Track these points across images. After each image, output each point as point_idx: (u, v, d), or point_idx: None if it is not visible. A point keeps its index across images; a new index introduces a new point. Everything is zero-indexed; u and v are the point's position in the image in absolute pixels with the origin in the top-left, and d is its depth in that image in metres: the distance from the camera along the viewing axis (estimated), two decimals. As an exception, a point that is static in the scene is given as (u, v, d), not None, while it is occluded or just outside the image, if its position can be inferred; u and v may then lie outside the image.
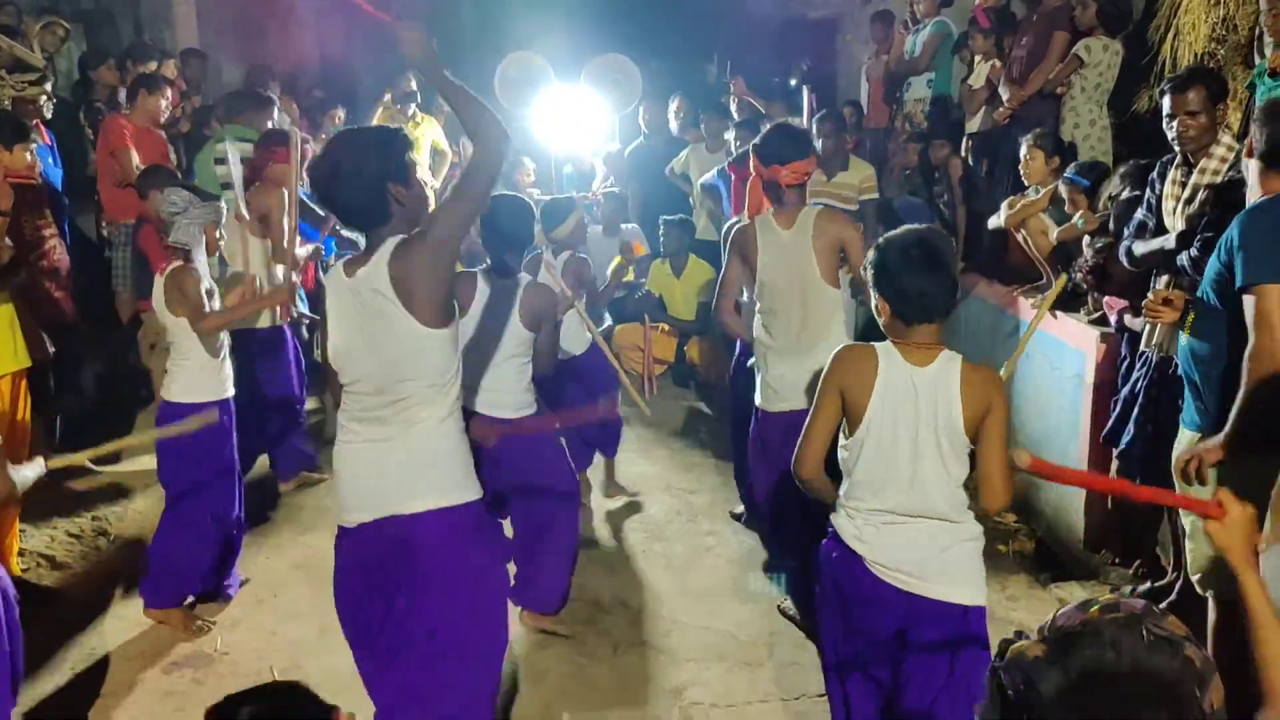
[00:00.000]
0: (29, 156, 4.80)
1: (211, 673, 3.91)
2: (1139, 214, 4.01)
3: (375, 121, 8.01)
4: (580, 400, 4.93)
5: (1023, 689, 1.33)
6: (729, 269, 4.20)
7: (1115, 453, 4.17)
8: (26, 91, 5.38)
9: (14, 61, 5.46)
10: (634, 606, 4.44)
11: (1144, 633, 1.32)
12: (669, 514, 5.27)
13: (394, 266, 2.50)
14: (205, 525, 4.14)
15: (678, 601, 4.47)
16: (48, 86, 5.85)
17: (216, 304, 4.09)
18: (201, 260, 4.03)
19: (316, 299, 5.42)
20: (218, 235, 4.12)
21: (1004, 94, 6.10)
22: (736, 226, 4.40)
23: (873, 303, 2.70)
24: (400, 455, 2.64)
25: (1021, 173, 5.18)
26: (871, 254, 2.68)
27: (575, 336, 5.05)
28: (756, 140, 4.22)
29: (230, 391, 4.20)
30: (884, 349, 2.66)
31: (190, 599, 4.23)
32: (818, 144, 6.66)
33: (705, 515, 5.36)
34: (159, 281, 4.01)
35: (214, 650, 4.03)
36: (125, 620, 4.23)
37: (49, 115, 5.60)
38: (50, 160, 5.74)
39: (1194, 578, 3.31)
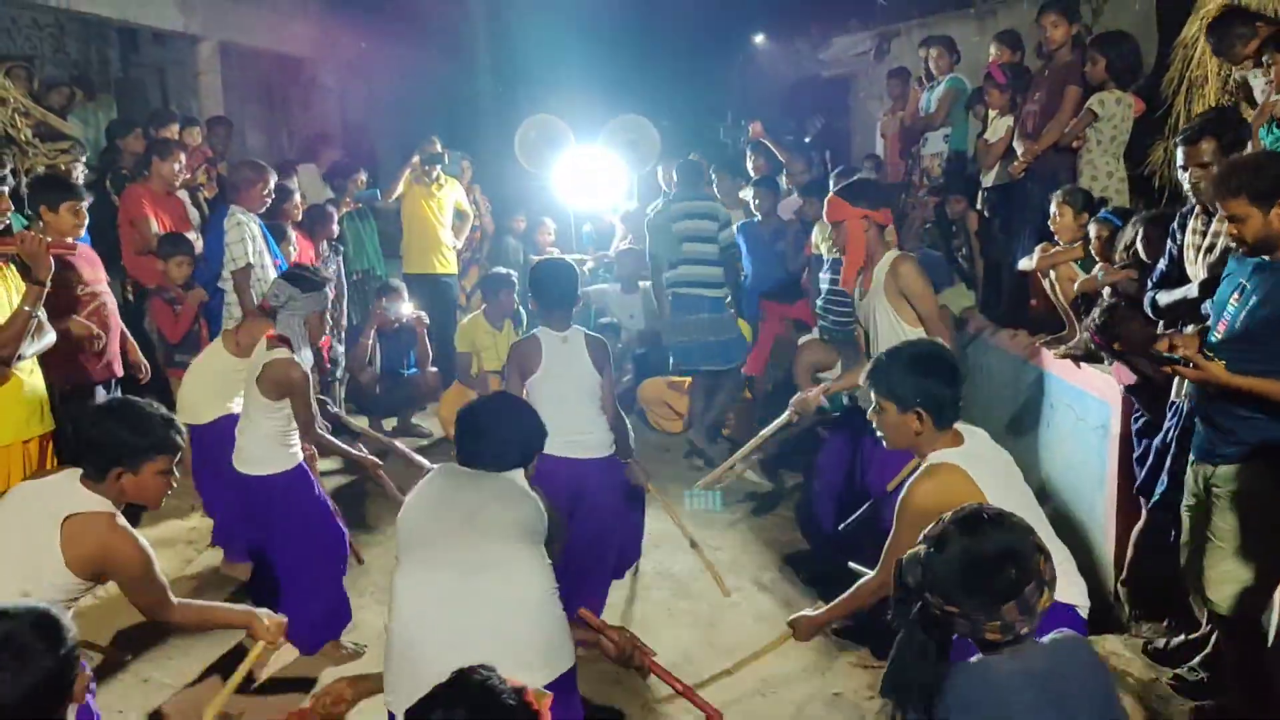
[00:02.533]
0: (79, 216, 4.86)
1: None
2: (1161, 264, 4.03)
3: (402, 183, 8.14)
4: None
5: (920, 575, 2.09)
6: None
7: (1148, 504, 4.15)
8: (59, 159, 5.50)
9: (47, 130, 5.59)
10: (660, 662, 4.40)
11: (984, 515, 2.11)
12: (693, 571, 5.24)
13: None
14: (337, 563, 4.37)
15: (704, 657, 4.43)
16: (82, 156, 5.98)
17: None
18: (306, 353, 4.18)
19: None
20: (326, 321, 4.35)
21: (1018, 148, 6.15)
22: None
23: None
24: None
25: (1051, 228, 5.21)
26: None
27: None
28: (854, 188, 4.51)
29: (299, 459, 4.28)
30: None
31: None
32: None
33: (730, 571, 5.32)
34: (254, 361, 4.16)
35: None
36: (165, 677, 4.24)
37: (81, 183, 5.70)
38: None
39: (1214, 599, 3.42)
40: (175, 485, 3.02)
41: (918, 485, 2.83)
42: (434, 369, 7.66)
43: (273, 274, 6.05)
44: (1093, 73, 5.68)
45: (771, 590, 5.10)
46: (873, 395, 3.00)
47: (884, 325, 4.34)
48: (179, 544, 5.51)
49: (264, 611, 3.17)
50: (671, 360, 7.04)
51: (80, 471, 2.89)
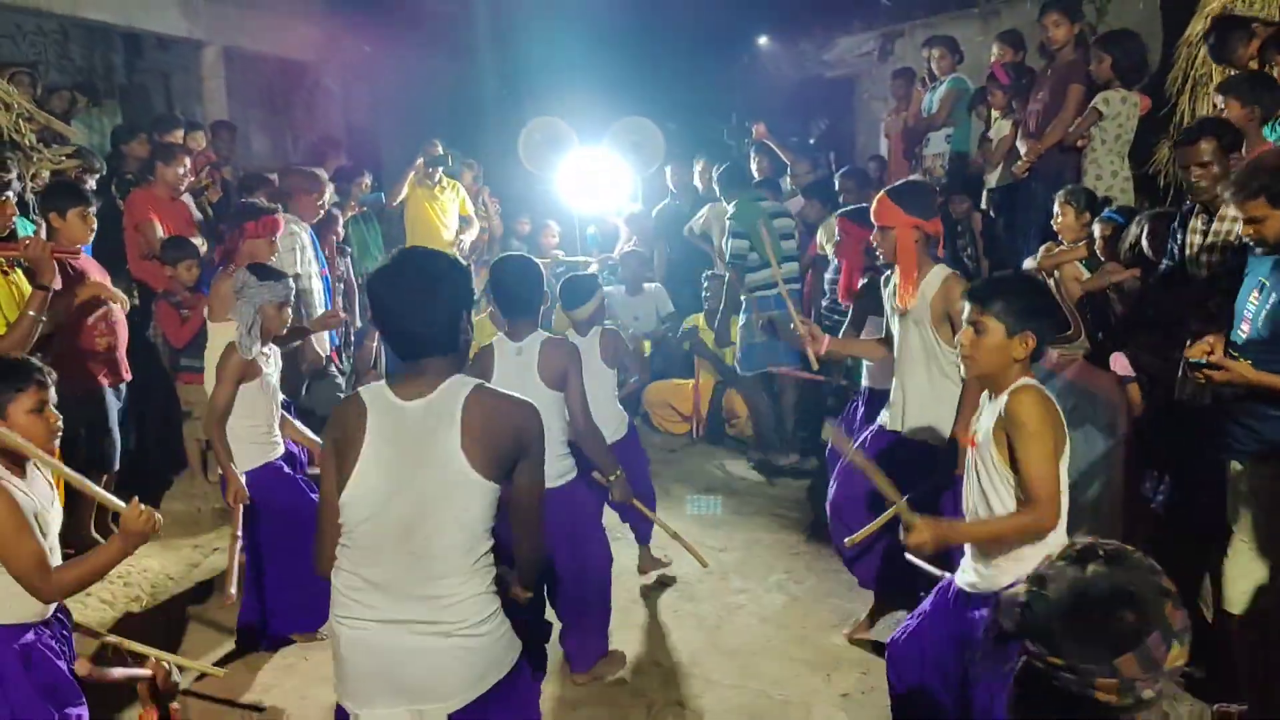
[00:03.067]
0: (87, 222, 4.91)
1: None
2: (1164, 263, 4.03)
3: (406, 186, 8.13)
4: None
5: (1020, 618, 1.75)
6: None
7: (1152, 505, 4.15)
8: (64, 164, 5.52)
9: (51, 135, 5.60)
10: (666, 666, 4.41)
11: (1098, 550, 1.77)
12: (699, 573, 5.24)
13: (468, 417, 2.36)
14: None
15: (710, 660, 4.44)
16: (96, 164, 6.00)
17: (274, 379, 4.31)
18: (255, 345, 4.14)
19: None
20: (284, 314, 4.28)
21: (1021, 148, 6.15)
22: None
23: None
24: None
25: (1054, 227, 5.21)
26: None
27: (610, 419, 4.98)
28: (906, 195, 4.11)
29: (278, 452, 4.33)
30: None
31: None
32: (841, 198, 6.76)
33: (736, 573, 5.33)
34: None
35: (255, 714, 4.03)
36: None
37: (93, 188, 5.73)
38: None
39: (1229, 594, 3.41)
40: (57, 425, 2.92)
41: (1025, 400, 2.74)
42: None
43: (319, 284, 6.08)
44: (1098, 71, 5.69)
45: (778, 591, 5.10)
46: (975, 313, 2.86)
47: (916, 343, 4.10)
48: (185, 547, 5.54)
49: (127, 510, 2.87)
50: (741, 363, 6.93)
51: None
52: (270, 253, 5.14)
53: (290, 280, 4.36)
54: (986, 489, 2.88)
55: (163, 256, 5.85)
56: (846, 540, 3.93)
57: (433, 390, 2.39)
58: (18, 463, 2.84)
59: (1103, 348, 4.95)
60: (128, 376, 5.32)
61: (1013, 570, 2.77)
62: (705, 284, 7.75)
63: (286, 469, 4.41)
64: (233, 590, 3.89)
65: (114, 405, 5.21)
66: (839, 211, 5.84)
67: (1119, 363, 4.38)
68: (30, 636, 2.85)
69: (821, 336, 4.42)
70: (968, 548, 3.01)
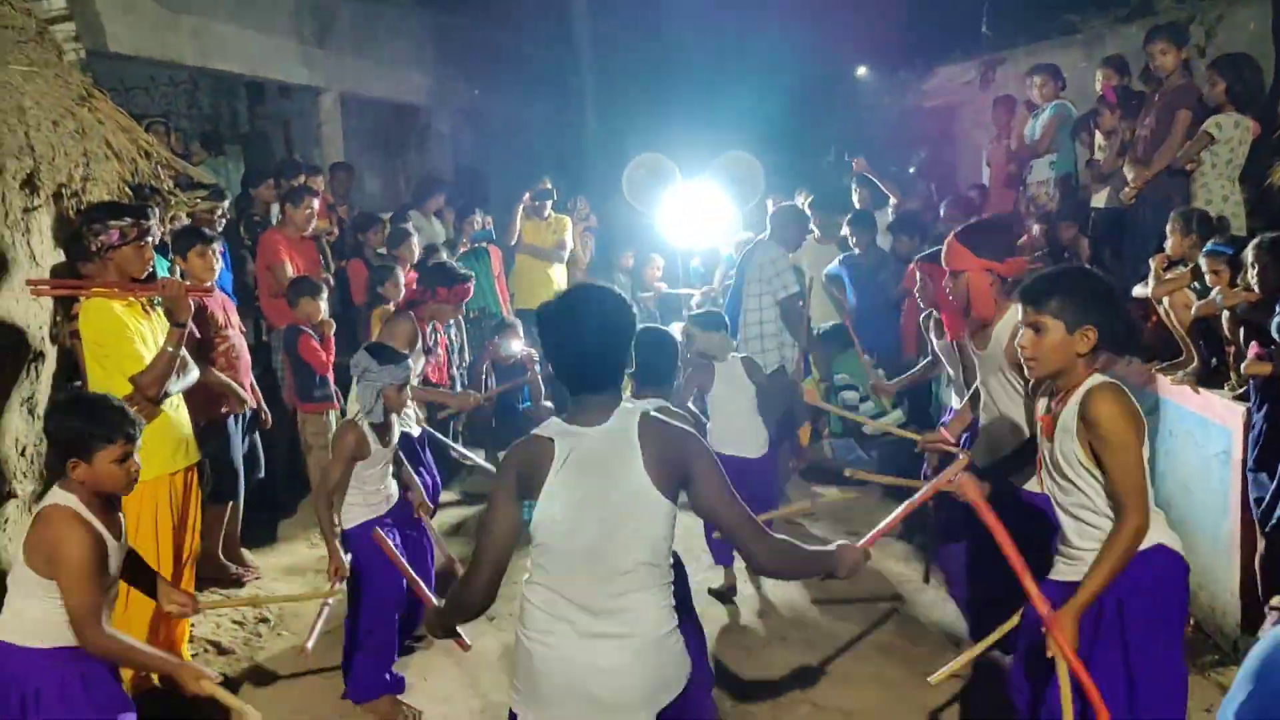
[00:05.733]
0: (205, 260, 5.16)
1: (369, 755, 4.08)
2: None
3: (518, 222, 8.39)
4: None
5: None
6: None
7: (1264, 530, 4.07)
8: (199, 207, 5.86)
9: (187, 180, 5.94)
10: (777, 688, 4.47)
11: None
12: (805, 599, 5.28)
13: (644, 440, 2.49)
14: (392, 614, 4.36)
15: (818, 684, 4.48)
16: (224, 204, 6.35)
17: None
18: (374, 416, 4.26)
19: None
20: (404, 395, 4.37)
21: (1129, 174, 6.08)
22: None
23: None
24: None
25: (1166, 249, 5.15)
26: None
27: (750, 439, 5.31)
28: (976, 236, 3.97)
29: (384, 509, 4.40)
30: None
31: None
32: (944, 228, 6.75)
33: (844, 601, 5.35)
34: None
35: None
36: (288, 703, 4.44)
37: (221, 229, 6.05)
38: (223, 267, 6.19)
39: None
40: (136, 474, 3.03)
41: (1105, 404, 2.72)
42: (547, 403, 7.85)
43: None
44: (1211, 95, 5.62)
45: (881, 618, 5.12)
46: (1031, 315, 2.83)
47: (999, 391, 3.94)
48: (308, 571, 5.76)
49: (196, 668, 3.07)
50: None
51: None
52: (454, 316, 5.62)
53: (409, 361, 4.44)
54: (1072, 481, 2.88)
55: (287, 296, 6.10)
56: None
57: (607, 417, 2.53)
58: (96, 497, 3.00)
59: (1217, 373, 4.87)
60: (253, 405, 5.56)
61: None
62: None
63: (390, 526, 4.43)
64: (309, 645, 3.92)
65: (235, 436, 5.43)
66: (918, 256, 5.67)
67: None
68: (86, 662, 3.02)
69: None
70: (1060, 546, 3.02)
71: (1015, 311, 3.67)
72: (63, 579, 2.88)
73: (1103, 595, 2.79)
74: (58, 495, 2.96)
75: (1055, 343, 2.80)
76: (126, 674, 3.26)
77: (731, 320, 6.86)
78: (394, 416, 4.42)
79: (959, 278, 3.92)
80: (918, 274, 5.21)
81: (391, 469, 4.50)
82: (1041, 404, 3.06)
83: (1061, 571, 3.00)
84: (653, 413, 2.58)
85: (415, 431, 5.36)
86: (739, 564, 5.41)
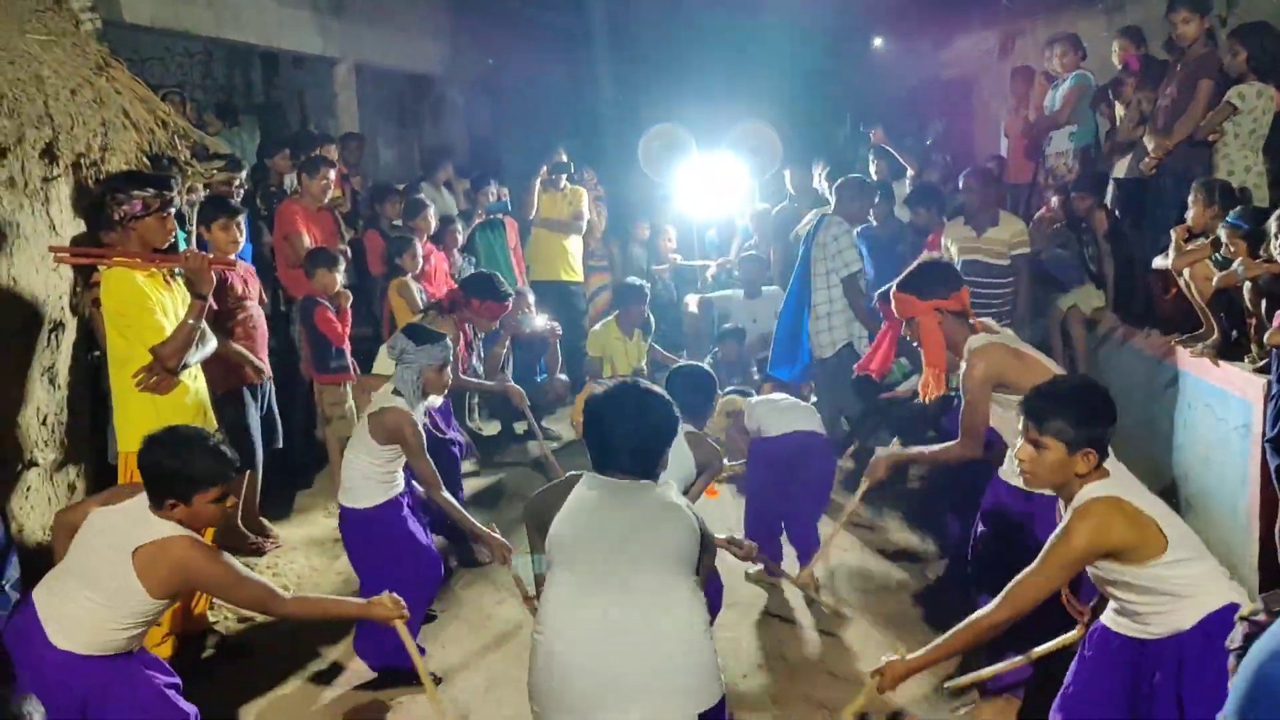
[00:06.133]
0: (229, 233, 5.17)
1: (388, 722, 4.12)
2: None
3: (536, 196, 8.39)
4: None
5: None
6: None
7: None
8: (215, 178, 5.86)
9: (205, 150, 5.94)
10: (793, 661, 4.49)
11: None
12: (823, 573, 5.29)
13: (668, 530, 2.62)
14: (426, 589, 4.39)
15: (834, 654, 4.52)
16: (242, 174, 6.35)
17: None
18: (419, 407, 4.30)
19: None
20: (444, 376, 4.36)
21: (1149, 144, 6.03)
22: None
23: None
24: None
25: (1187, 220, 5.12)
26: None
27: (802, 412, 5.26)
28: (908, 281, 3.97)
29: (400, 488, 4.38)
30: None
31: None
32: (963, 199, 6.70)
33: (858, 574, 5.38)
34: (373, 402, 4.32)
35: (389, 700, 4.23)
36: (308, 671, 4.48)
37: (238, 200, 6.05)
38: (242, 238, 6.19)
39: None
40: (230, 512, 3.13)
41: (1078, 526, 2.71)
42: (562, 376, 7.89)
43: None
44: (1232, 65, 5.55)
45: (901, 594, 5.13)
46: (1033, 433, 2.82)
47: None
48: (327, 541, 5.80)
49: (382, 597, 3.30)
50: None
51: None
52: (487, 329, 5.78)
53: (448, 341, 4.41)
54: (1111, 584, 2.83)
55: (304, 266, 6.09)
56: None
57: (638, 483, 2.69)
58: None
59: (1237, 346, 4.85)
60: (269, 375, 5.57)
61: (1166, 622, 2.75)
62: None
63: (407, 507, 4.44)
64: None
65: (252, 405, 5.45)
66: (877, 293, 5.50)
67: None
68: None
69: None
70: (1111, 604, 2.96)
71: (974, 341, 3.77)
72: (218, 591, 3.19)
73: (1162, 653, 2.77)
74: (165, 527, 2.98)
75: (1054, 462, 2.79)
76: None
77: (797, 302, 6.85)
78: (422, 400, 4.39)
79: (913, 324, 3.95)
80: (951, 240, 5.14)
81: None
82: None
83: (1118, 623, 2.93)
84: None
85: (438, 402, 5.41)
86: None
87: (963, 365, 3.78)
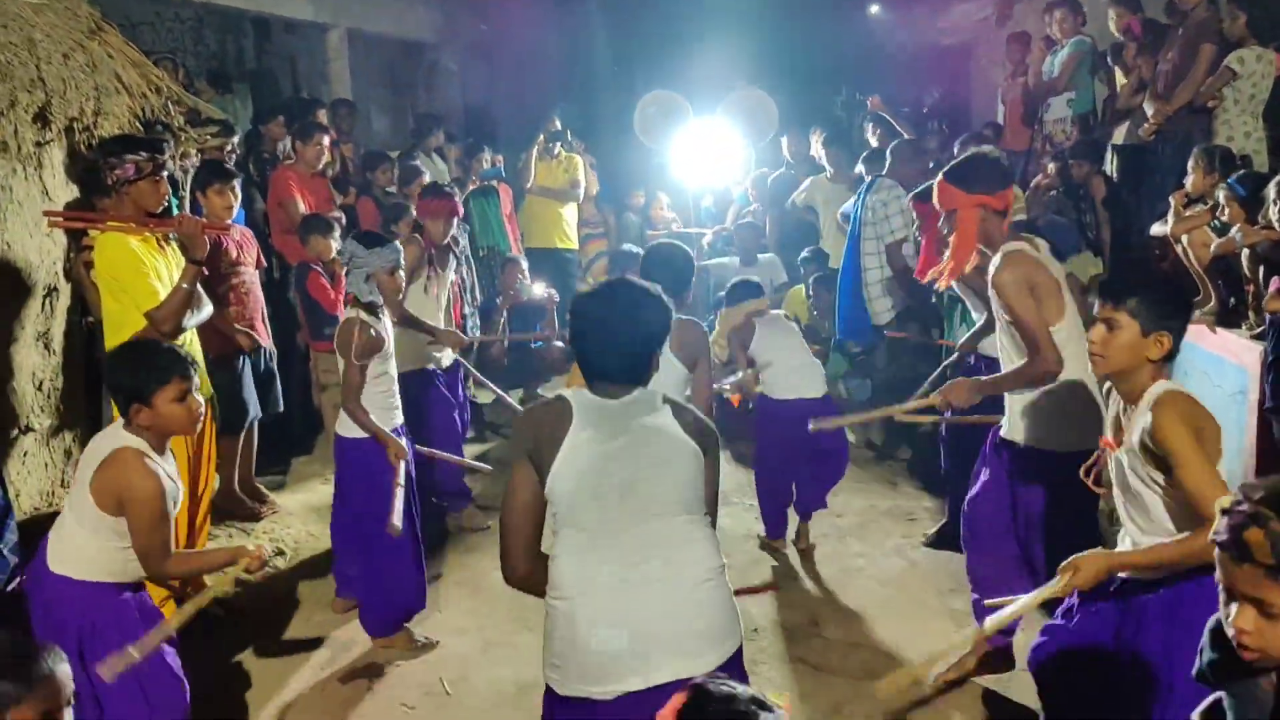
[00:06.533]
0: (224, 198, 5.10)
1: (384, 683, 4.12)
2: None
3: (533, 165, 8.33)
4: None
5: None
6: None
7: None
8: (209, 143, 5.82)
9: (197, 116, 5.89)
10: (789, 625, 4.51)
11: None
12: (817, 535, 5.31)
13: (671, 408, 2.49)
14: (408, 547, 4.27)
15: (831, 621, 4.54)
16: (234, 140, 6.30)
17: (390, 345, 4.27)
18: (385, 320, 4.22)
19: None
20: (398, 278, 4.26)
21: (1149, 109, 6.01)
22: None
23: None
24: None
25: (1187, 186, 5.10)
26: None
27: (807, 378, 5.19)
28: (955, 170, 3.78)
29: (397, 421, 4.32)
30: None
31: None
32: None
33: (854, 536, 5.40)
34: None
35: (386, 662, 4.25)
36: (305, 633, 4.50)
37: (232, 164, 6.01)
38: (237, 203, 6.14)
39: None
40: (199, 410, 3.06)
41: (1171, 413, 2.55)
42: (558, 343, 7.87)
43: None
44: (1232, 29, 5.53)
45: (896, 555, 5.16)
46: (1108, 309, 2.71)
47: (1001, 326, 3.74)
48: (323, 508, 5.78)
49: (243, 547, 3.18)
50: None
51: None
52: (442, 238, 5.43)
53: (398, 244, 4.32)
54: (1146, 499, 2.70)
55: (299, 233, 6.04)
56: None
57: (629, 395, 2.48)
58: (160, 439, 3.06)
59: (1235, 313, 4.85)
60: (265, 343, 5.54)
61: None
62: (808, 256, 7.68)
63: (405, 434, 4.37)
64: (396, 522, 3.90)
65: (245, 370, 5.42)
66: (911, 195, 5.41)
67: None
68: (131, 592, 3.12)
69: None
70: (1127, 541, 2.85)
71: (1016, 245, 3.59)
72: (134, 520, 2.93)
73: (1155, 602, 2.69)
74: (124, 437, 2.98)
75: (1126, 342, 2.69)
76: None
77: (852, 266, 6.74)
78: (386, 319, 4.27)
79: (953, 216, 3.74)
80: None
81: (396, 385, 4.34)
82: (1110, 416, 2.90)
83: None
84: (676, 399, 2.55)
85: (447, 362, 5.43)
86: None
87: (991, 267, 3.60)
